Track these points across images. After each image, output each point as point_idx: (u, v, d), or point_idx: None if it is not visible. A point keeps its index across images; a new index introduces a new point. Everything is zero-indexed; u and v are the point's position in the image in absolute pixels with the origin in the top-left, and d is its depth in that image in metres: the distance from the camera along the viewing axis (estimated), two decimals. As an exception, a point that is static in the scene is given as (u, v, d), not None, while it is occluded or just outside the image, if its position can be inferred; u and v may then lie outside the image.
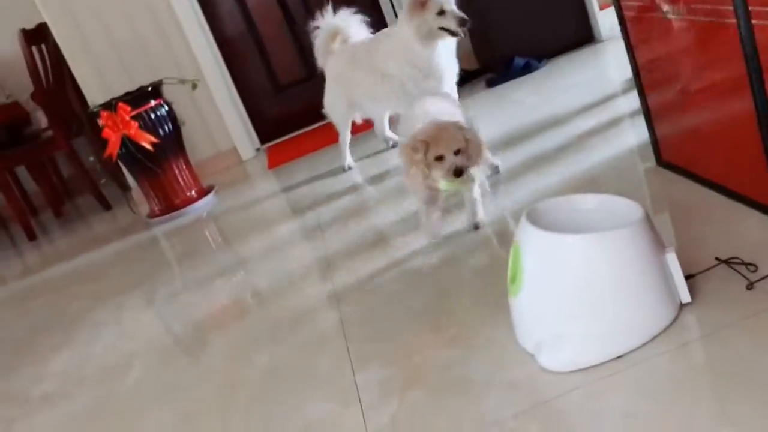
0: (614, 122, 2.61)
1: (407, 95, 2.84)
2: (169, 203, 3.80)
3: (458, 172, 1.90)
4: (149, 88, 3.68)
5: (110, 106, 3.54)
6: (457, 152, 1.90)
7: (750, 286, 1.39)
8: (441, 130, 1.90)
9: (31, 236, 4.45)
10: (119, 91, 3.79)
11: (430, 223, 2.11)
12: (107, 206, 4.59)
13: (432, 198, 2.06)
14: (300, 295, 2.18)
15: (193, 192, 3.86)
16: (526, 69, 3.86)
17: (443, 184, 1.99)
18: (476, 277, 1.88)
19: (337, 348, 1.76)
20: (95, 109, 3.63)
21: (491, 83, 3.91)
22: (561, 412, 1.27)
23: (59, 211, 4.95)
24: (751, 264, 1.44)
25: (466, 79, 4.20)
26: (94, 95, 4.15)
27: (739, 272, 1.44)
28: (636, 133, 2.38)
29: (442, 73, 2.86)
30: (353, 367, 1.65)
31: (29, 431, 1.97)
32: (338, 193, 3.07)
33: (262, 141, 4.64)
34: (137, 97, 3.62)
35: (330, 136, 4.18)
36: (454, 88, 2.97)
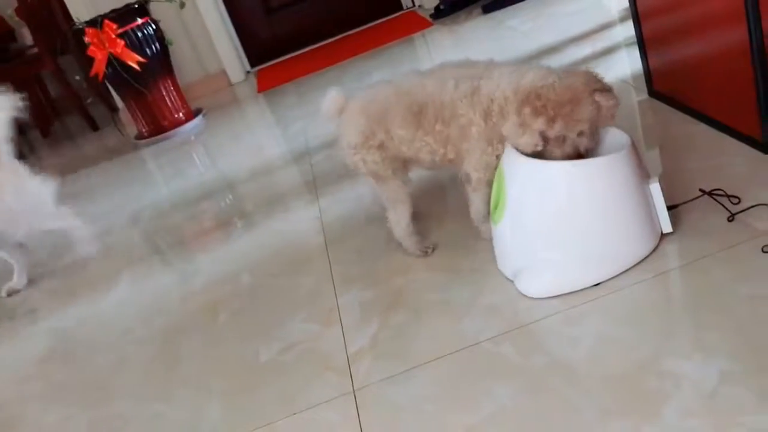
0: (609, 51, 2.57)
1: None
2: (157, 125, 3.76)
3: (579, 157, 1.40)
4: (136, 6, 3.59)
5: (96, 23, 3.46)
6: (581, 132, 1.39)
7: (731, 218, 1.39)
8: (576, 102, 1.35)
9: (19, 156, 4.41)
10: (105, 8, 3.69)
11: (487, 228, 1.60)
12: (95, 127, 4.53)
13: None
14: (286, 218, 2.19)
15: (181, 114, 3.82)
16: (523, -5, 3.77)
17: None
18: (461, 204, 1.88)
19: (321, 270, 1.77)
20: (80, 26, 3.54)
21: (487, 9, 3.83)
22: (538, 336, 1.29)
23: (46, 130, 4.89)
24: (734, 196, 1.44)
25: (462, 5, 4.11)
26: (80, 11, 4.03)
27: (721, 204, 1.44)
28: (630, 63, 2.34)
29: None
30: (336, 289, 1.66)
31: (16, 344, 2.00)
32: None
33: (253, 64, 4.56)
34: (123, 15, 3.52)
35: (322, 59, 4.11)
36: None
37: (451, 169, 1.66)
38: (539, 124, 1.35)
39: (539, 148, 1.38)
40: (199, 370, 1.57)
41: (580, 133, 1.38)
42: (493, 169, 1.51)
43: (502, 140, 1.47)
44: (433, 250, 1.69)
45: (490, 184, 1.53)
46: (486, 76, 1.49)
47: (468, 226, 1.73)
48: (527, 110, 1.36)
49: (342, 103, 1.65)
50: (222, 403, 1.43)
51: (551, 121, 1.35)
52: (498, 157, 1.49)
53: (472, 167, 1.54)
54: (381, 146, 1.60)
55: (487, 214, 1.57)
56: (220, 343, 1.64)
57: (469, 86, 1.49)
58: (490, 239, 1.54)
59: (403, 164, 1.64)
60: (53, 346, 1.93)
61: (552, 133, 1.36)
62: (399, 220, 1.66)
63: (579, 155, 1.39)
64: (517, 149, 1.40)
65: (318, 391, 1.35)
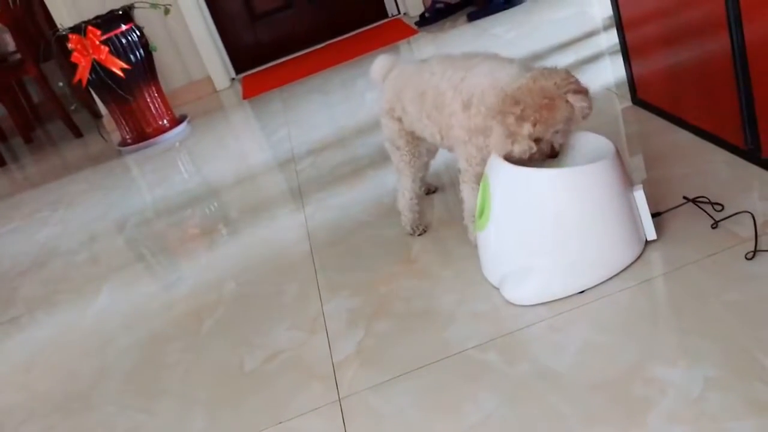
0: (593, 59, 2.58)
1: None
2: (141, 132, 3.74)
3: (555, 154, 1.41)
4: (120, 12, 3.57)
5: (79, 29, 3.44)
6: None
7: (715, 225, 1.40)
8: (551, 107, 1.33)
9: (1, 162, 4.37)
10: (89, 14, 3.67)
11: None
12: (78, 133, 4.50)
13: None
14: (271, 225, 2.17)
15: (165, 121, 3.80)
16: (508, 3, 3.79)
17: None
18: (447, 211, 1.88)
19: (306, 278, 1.76)
20: (63, 32, 3.52)
21: (472, 17, 3.84)
22: (524, 343, 1.29)
23: (29, 137, 4.85)
24: (717, 203, 1.45)
25: (447, 12, 4.13)
26: (63, 18, 4.01)
27: (705, 211, 1.45)
28: (614, 71, 2.36)
29: None
30: (321, 297, 1.66)
31: (-3, 355, 1.98)
32: (313, 124, 3.03)
33: (238, 71, 4.55)
34: (107, 21, 3.51)
35: (307, 66, 4.11)
36: None
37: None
38: (526, 129, 1.33)
39: (532, 150, 1.36)
40: (182, 379, 1.56)
41: (555, 132, 1.37)
42: (477, 163, 1.51)
43: (481, 133, 1.46)
44: (423, 232, 1.77)
45: (477, 179, 1.52)
46: (475, 68, 1.49)
47: (453, 234, 1.73)
48: (511, 120, 1.34)
49: (386, 71, 1.75)
50: (206, 412, 1.42)
51: (533, 125, 1.34)
52: (479, 149, 1.49)
53: (461, 158, 1.55)
54: (399, 119, 1.69)
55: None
56: (204, 352, 1.63)
57: (458, 77, 1.51)
58: (474, 243, 1.54)
59: (416, 139, 1.71)
60: (35, 354, 1.90)
61: (533, 136, 1.35)
62: (403, 191, 1.75)
63: (553, 151, 1.39)
64: (506, 158, 1.38)
65: (303, 400, 1.34)
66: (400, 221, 1.79)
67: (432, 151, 1.82)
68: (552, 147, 1.39)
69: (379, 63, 1.77)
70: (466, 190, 1.58)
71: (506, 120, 1.34)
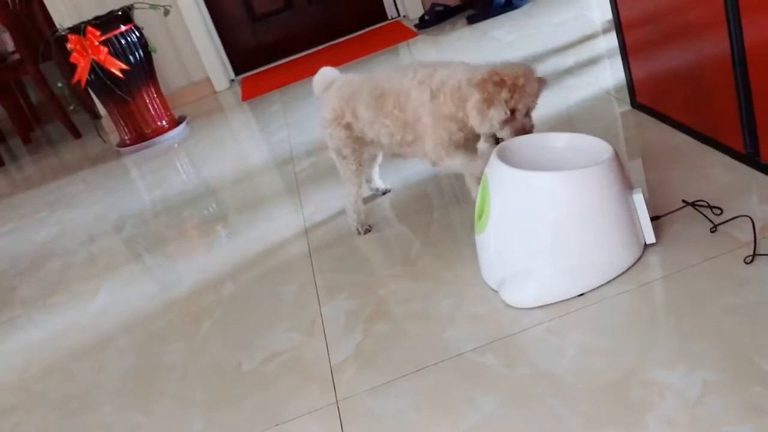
0: (592, 62, 2.59)
1: None
2: (140, 132, 3.73)
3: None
4: (119, 13, 3.57)
5: (79, 29, 3.43)
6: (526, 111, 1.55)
7: (714, 229, 1.40)
8: (527, 77, 1.51)
9: (-1, 162, 4.37)
10: (88, 15, 3.67)
11: None
12: (77, 134, 4.50)
13: (456, 148, 1.66)
14: (270, 226, 2.17)
15: (164, 122, 3.80)
16: (508, 6, 3.80)
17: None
18: (446, 214, 1.88)
19: (305, 279, 1.76)
20: (63, 33, 3.52)
21: (472, 20, 3.85)
22: (522, 346, 1.29)
23: (27, 137, 4.85)
24: (716, 207, 1.45)
25: (446, 15, 4.13)
26: (63, 18, 4.01)
27: (704, 215, 1.45)
28: (613, 75, 2.36)
29: None
30: (319, 298, 1.65)
31: (-6, 355, 1.97)
32: (312, 125, 3.03)
33: (237, 72, 4.55)
34: (107, 22, 3.51)
35: (306, 68, 4.11)
36: None
37: (408, 157, 1.81)
38: (504, 94, 1.49)
39: (507, 116, 1.51)
40: (180, 380, 1.55)
41: (527, 113, 1.53)
42: (447, 144, 1.63)
43: (451, 119, 1.60)
44: (367, 232, 1.89)
45: (449, 154, 1.65)
46: (443, 67, 1.63)
47: (452, 237, 1.74)
48: (490, 85, 1.49)
49: (328, 83, 1.87)
50: (204, 414, 1.42)
51: (511, 92, 1.49)
52: (449, 133, 1.61)
53: (430, 146, 1.66)
54: (348, 126, 1.78)
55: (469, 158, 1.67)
56: (202, 353, 1.63)
57: (425, 73, 1.64)
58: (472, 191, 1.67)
59: (364, 147, 1.82)
60: (33, 355, 1.90)
61: (511, 105, 1.50)
62: (348, 195, 1.88)
63: (525, 133, 1.53)
64: (480, 129, 1.55)
65: (301, 402, 1.34)
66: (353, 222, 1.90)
67: (374, 158, 1.99)
68: (524, 128, 1.53)
69: (321, 75, 1.88)
70: (447, 162, 1.67)
71: (486, 86, 1.50)
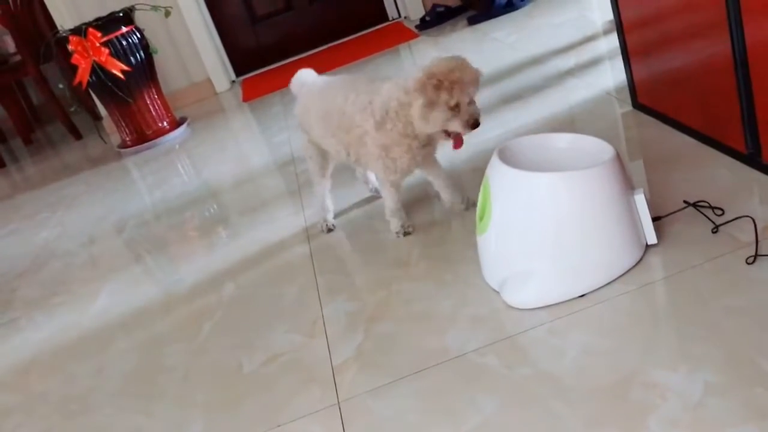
0: (593, 63, 2.58)
1: None
2: (141, 134, 3.74)
3: (476, 124, 1.58)
4: (120, 14, 3.57)
5: (80, 31, 3.44)
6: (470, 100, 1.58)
7: (715, 230, 1.40)
8: (461, 69, 1.55)
9: (0, 164, 4.37)
10: (89, 16, 3.67)
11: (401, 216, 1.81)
12: (78, 135, 4.50)
13: (406, 174, 1.75)
14: (271, 227, 2.17)
15: (165, 123, 3.80)
16: (509, 7, 3.80)
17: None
18: (447, 215, 1.88)
19: (306, 280, 1.76)
20: (64, 34, 3.52)
21: (473, 21, 3.85)
22: (523, 347, 1.29)
23: (28, 138, 4.85)
24: (718, 208, 1.45)
25: (447, 16, 4.13)
26: (64, 19, 4.02)
27: (705, 215, 1.45)
28: (614, 75, 2.36)
29: None
30: (321, 299, 1.65)
31: (-5, 357, 1.97)
32: (313, 127, 3.03)
33: (238, 73, 4.55)
34: (108, 23, 3.51)
35: (307, 70, 4.11)
36: None
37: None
38: (444, 96, 1.53)
39: (451, 117, 1.55)
40: (181, 382, 1.55)
41: (471, 102, 1.57)
42: (392, 171, 1.71)
43: (396, 144, 1.66)
44: (328, 231, 1.96)
45: (395, 184, 1.76)
46: (377, 92, 1.67)
47: (454, 237, 1.73)
48: (429, 88, 1.53)
49: (301, 85, 1.94)
50: (204, 415, 1.41)
51: (450, 90, 1.53)
52: (393, 160, 1.68)
53: (378, 170, 1.74)
54: (308, 132, 1.89)
55: (396, 210, 1.79)
56: (203, 354, 1.62)
57: (365, 100, 1.68)
58: (397, 235, 1.79)
59: (323, 151, 1.90)
60: (33, 356, 1.90)
61: (452, 102, 1.54)
62: (316, 193, 1.98)
63: (475, 122, 1.57)
64: (428, 130, 1.59)
65: (302, 403, 1.34)
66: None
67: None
68: (473, 117, 1.57)
69: (296, 77, 1.96)
70: (385, 192, 1.79)
71: (425, 90, 1.54)
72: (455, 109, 1.55)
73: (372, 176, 2.08)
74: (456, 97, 1.53)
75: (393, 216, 1.80)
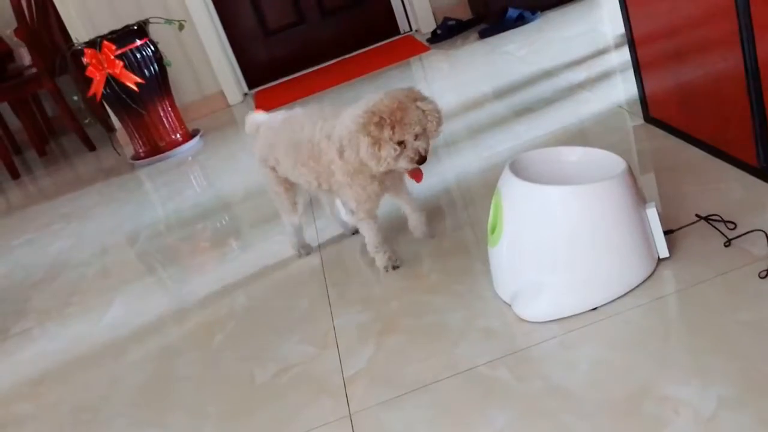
0: (604, 77, 2.59)
1: None
2: (154, 145, 3.76)
3: (422, 160, 1.58)
4: (135, 27, 3.61)
5: (95, 44, 3.48)
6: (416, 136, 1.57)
7: (727, 243, 1.40)
8: (403, 108, 1.54)
9: (15, 174, 4.41)
10: (104, 29, 3.72)
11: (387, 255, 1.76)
12: (91, 147, 4.54)
13: (377, 200, 1.73)
14: (282, 239, 2.17)
15: (178, 135, 3.83)
16: (520, 21, 3.81)
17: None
18: (458, 227, 1.88)
19: (317, 292, 1.77)
20: (79, 47, 3.56)
21: (483, 34, 3.86)
22: (535, 360, 1.29)
23: (43, 150, 4.90)
24: (730, 221, 1.45)
25: (458, 30, 4.15)
26: (79, 33, 4.06)
27: (717, 229, 1.44)
28: (625, 89, 2.36)
29: None
30: (332, 311, 1.66)
31: (8, 364, 1.98)
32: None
33: (250, 86, 4.58)
34: (122, 36, 3.55)
35: (319, 82, 4.14)
36: None
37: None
38: (387, 133, 1.53)
39: (397, 151, 1.54)
40: (193, 393, 1.56)
41: (416, 137, 1.55)
42: (365, 200, 1.69)
43: (359, 172, 1.63)
44: (306, 254, 1.98)
45: (370, 213, 1.72)
46: (340, 116, 1.65)
47: (465, 249, 1.74)
48: (372, 127, 1.53)
49: (257, 125, 1.93)
50: (217, 426, 1.42)
51: (392, 128, 1.52)
52: (363, 188, 1.66)
53: (349, 199, 1.72)
54: (273, 168, 1.85)
55: (379, 244, 1.75)
56: (215, 366, 1.63)
57: (329, 127, 1.67)
58: (385, 269, 1.74)
59: (292, 185, 1.87)
60: (46, 366, 1.91)
61: (396, 139, 1.53)
62: (286, 225, 1.96)
63: (421, 158, 1.57)
64: (380, 169, 1.57)
65: (314, 415, 1.34)
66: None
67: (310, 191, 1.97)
68: (419, 153, 1.57)
69: (249, 119, 1.96)
70: (363, 227, 1.75)
71: (369, 129, 1.53)
72: (401, 145, 1.55)
73: (343, 213, 2.02)
74: (398, 134, 1.53)
75: (377, 252, 1.76)
